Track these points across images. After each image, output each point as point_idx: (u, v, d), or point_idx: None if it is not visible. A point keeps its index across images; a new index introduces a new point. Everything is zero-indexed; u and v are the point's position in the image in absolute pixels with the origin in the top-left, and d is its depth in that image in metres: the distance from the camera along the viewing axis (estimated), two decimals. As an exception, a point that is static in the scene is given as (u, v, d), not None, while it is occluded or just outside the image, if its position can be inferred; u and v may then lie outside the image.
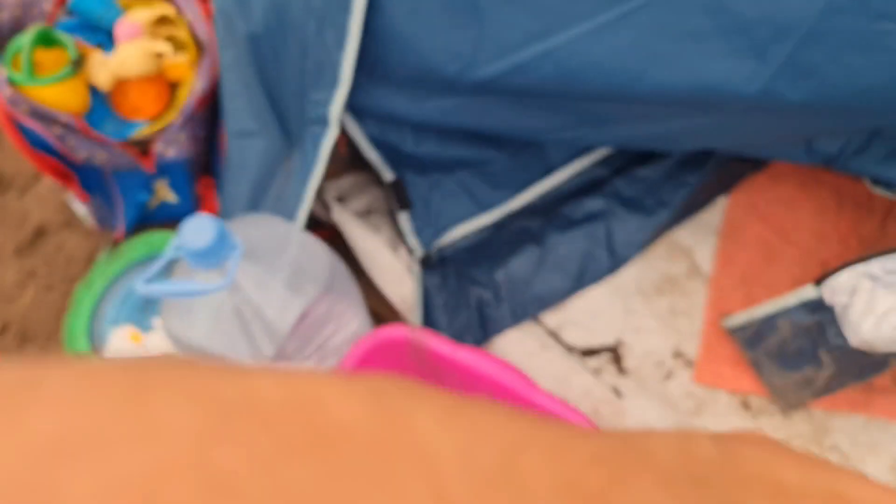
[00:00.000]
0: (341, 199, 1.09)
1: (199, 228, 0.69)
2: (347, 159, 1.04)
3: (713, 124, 0.84)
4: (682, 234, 1.02)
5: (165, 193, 1.05)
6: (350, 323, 0.87)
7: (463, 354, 0.83)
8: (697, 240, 1.02)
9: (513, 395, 0.82)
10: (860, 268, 0.80)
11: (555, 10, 0.76)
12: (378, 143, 0.96)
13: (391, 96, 0.88)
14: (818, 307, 0.83)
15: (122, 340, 1.03)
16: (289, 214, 0.91)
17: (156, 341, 1.02)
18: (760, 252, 1.00)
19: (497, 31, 0.79)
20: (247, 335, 0.75)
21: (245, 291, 0.73)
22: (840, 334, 0.81)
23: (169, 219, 1.11)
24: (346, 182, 1.10)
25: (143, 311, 1.06)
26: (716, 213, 1.03)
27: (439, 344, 0.84)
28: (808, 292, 0.84)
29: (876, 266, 0.79)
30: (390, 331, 0.85)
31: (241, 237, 0.73)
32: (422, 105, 0.88)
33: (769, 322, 0.87)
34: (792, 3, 0.70)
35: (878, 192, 0.91)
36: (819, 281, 0.83)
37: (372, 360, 0.85)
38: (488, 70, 0.81)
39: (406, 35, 0.81)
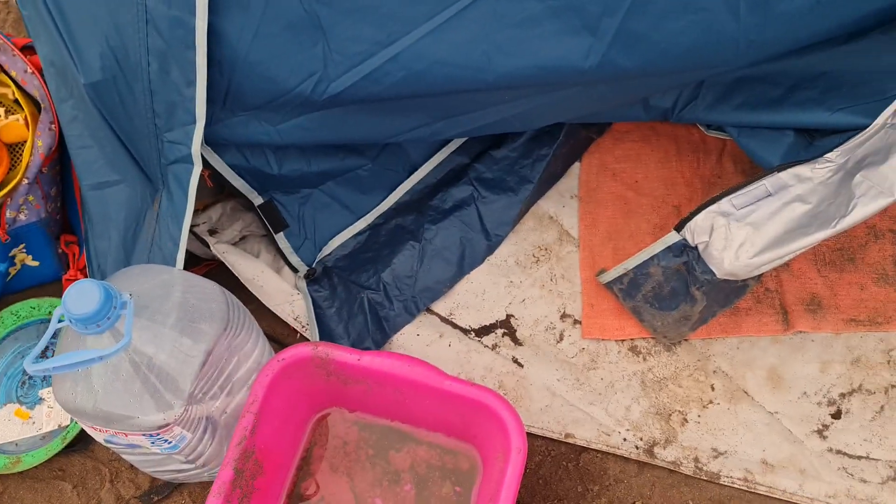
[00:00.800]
0: (213, 232, 1.06)
1: (82, 294, 0.66)
2: (212, 190, 1.02)
3: (560, 100, 0.88)
4: (546, 204, 1.08)
5: (25, 259, 1.00)
6: (252, 353, 0.86)
7: (368, 359, 0.84)
8: (561, 207, 1.07)
9: (423, 387, 0.84)
10: (713, 208, 0.87)
11: (395, 17, 0.78)
12: (243, 171, 0.95)
13: (249, 123, 0.87)
14: (683, 249, 0.90)
15: (7, 422, 0.97)
16: (167, 257, 0.89)
17: (46, 414, 0.97)
18: (619, 207, 1.06)
19: (343, 45, 0.79)
20: (150, 390, 0.73)
21: (140, 346, 0.71)
22: (707, 270, 0.88)
23: (34, 284, 1.04)
24: (214, 213, 1.07)
25: (24, 385, 1.00)
26: (573, 179, 1.09)
27: (343, 354, 0.85)
28: (671, 237, 0.90)
29: (726, 203, 0.87)
30: (294, 352, 0.85)
31: (127, 292, 0.71)
32: (281, 127, 0.87)
33: (641, 270, 0.93)
34: (615, -23, 0.75)
35: (712, 134, 0.99)
36: (679, 226, 0.89)
37: (281, 384, 0.85)
38: (341, 83, 0.81)
39: (254, 62, 0.80)
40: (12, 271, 1.00)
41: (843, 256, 1.02)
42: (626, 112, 0.98)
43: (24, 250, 0.98)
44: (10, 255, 0.97)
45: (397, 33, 0.79)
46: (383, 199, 1.04)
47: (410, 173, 1.05)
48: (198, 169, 0.84)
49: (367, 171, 1.02)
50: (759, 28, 0.76)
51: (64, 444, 0.94)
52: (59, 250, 1.01)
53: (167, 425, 0.74)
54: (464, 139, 1.05)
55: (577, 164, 1.09)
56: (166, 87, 0.81)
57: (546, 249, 1.04)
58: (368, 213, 1.03)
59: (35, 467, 0.94)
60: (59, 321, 0.68)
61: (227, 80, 0.82)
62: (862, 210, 0.81)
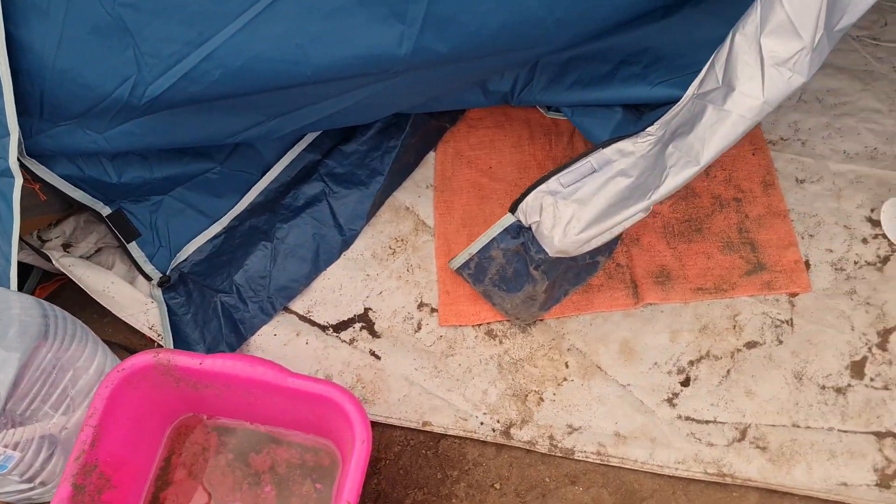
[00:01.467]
0: (67, 245, 1.04)
1: None
2: (61, 205, 0.99)
3: (390, 89, 0.88)
4: (402, 195, 1.07)
5: None
6: (90, 366, 0.84)
7: (210, 362, 0.83)
8: (417, 197, 1.07)
9: (268, 386, 0.83)
10: (542, 187, 0.87)
11: (205, 15, 0.77)
12: (80, 181, 0.93)
13: (73, 132, 0.85)
14: (518, 230, 0.91)
15: None
16: (1, 274, 0.86)
17: None
18: (473, 194, 1.07)
19: (155, 47, 0.78)
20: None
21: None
22: (540, 249, 0.89)
23: None
24: (67, 227, 1.05)
25: None
26: (429, 169, 1.09)
27: (184, 359, 0.83)
28: (507, 219, 0.91)
29: (553, 182, 0.87)
30: (134, 361, 0.83)
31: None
32: (108, 135, 0.85)
33: (484, 254, 0.93)
34: (413, -35, 0.75)
35: (552, 116, 1.00)
36: (513, 207, 0.90)
37: (126, 395, 0.83)
38: (159, 86, 0.80)
39: (64, 69, 0.78)
40: None
41: (690, 227, 1.04)
42: (467, 98, 0.99)
43: None
44: None
45: (209, 31, 0.77)
46: (238, 201, 1.03)
47: (264, 173, 1.04)
48: (19, 182, 0.82)
49: (217, 173, 1.01)
50: (560, 5, 0.77)
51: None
52: None
53: (-18, 445, 0.72)
54: (315, 135, 1.05)
55: (432, 154, 1.09)
56: (-27, 101, 0.79)
57: (402, 240, 1.04)
58: (224, 215, 1.02)
59: None
60: None
61: (38, 89, 0.80)
62: (673, 180, 0.82)
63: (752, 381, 0.94)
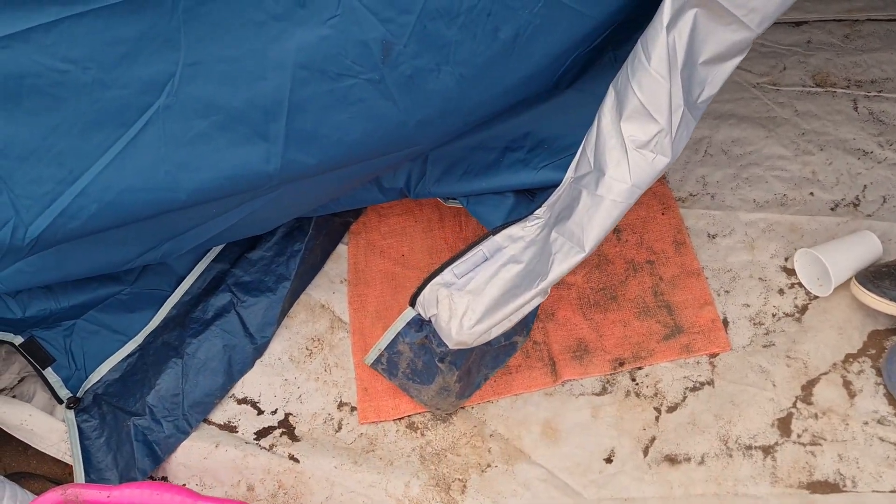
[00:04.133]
0: (-12, 380, 1.02)
1: None
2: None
3: (276, 200, 0.86)
4: (316, 293, 1.05)
5: None
6: (-4, 509, 0.81)
7: (118, 494, 0.80)
8: (332, 294, 1.05)
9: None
10: (437, 279, 0.85)
11: (71, 154, 0.75)
12: (-15, 319, 0.92)
13: (-37, 277, 0.84)
14: (421, 323, 0.88)
15: None
16: None
17: None
18: (387, 285, 1.04)
19: (27, 189, 0.77)
20: None
21: None
22: (441, 342, 0.86)
23: None
24: (-13, 361, 1.03)
25: None
26: (342, 263, 1.07)
27: (93, 493, 0.80)
28: (408, 313, 0.88)
29: (448, 274, 0.85)
30: (42, 500, 0.80)
31: None
32: (0, 276, 0.85)
33: (392, 349, 0.91)
34: (265, 87, 0.73)
35: (450, 205, 0.98)
36: (412, 300, 0.88)
37: (38, 534, 0.80)
38: (38, 225, 0.78)
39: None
40: None
41: (605, 296, 1.01)
42: (364, 196, 0.97)
43: None
44: None
45: (79, 169, 0.76)
46: (152, 317, 1.01)
47: (178, 285, 1.02)
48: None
49: (127, 294, 1.00)
50: (418, 108, 0.76)
51: None
52: None
53: None
54: (222, 245, 1.03)
55: (344, 248, 1.08)
56: None
57: (319, 340, 1.02)
58: (138, 333, 1.00)
59: None
60: None
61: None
62: (559, 267, 0.80)
63: (676, 449, 0.90)
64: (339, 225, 1.06)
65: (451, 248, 1.06)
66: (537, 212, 0.82)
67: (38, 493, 0.89)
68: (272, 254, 1.01)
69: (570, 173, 0.80)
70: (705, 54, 0.70)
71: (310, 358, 1.00)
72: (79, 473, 0.92)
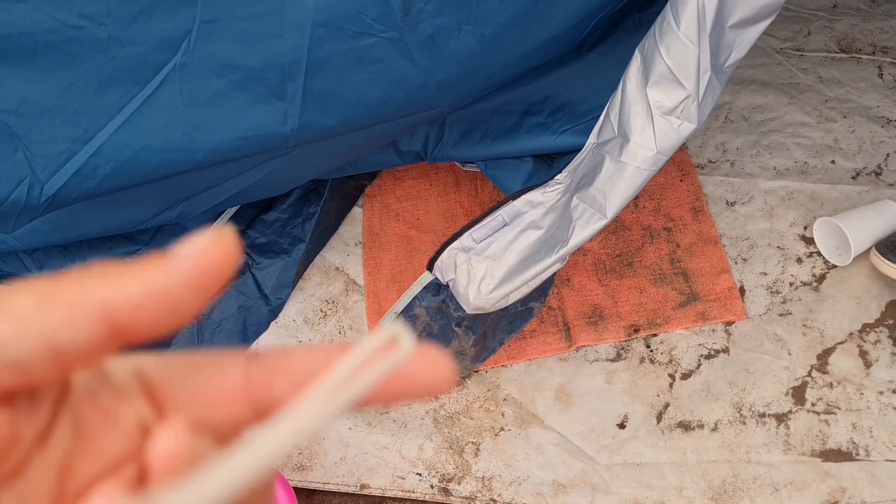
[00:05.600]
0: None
1: None
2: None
3: (294, 162, 0.85)
4: (331, 255, 1.04)
5: None
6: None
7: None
8: (346, 256, 1.04)
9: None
10: (455, 244, 0.84)
11: (86, 113, 0.74)
12: (2, 277, 0.91)
13: (-25, 233, 0.84)
14: (438, 287, 0.87)
15: None
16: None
17: None
18: (402, 248, 1.03)
19: (43, 148, 0.76)
20: None
21: None
22: (458, 307, 0.85)
23: None
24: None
25: None
26: (356, 225, 1.06)
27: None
28: (425, 277, 0.87)
29: (466, 239, 0.84)
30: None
31: None
32: (17, 234, 0.83)
33: (408, 313, 0.90)
34: (282, 46, 0.72)
35: (468, 169, 0.97)
36: (429, 264, 0.87)
37: None
38: (53, 184, 0.77)
39: (-45, 176, 0.76)
40: None
41: (621, 262, 1.00)
42: (381, 159, 0.95)
43: None
44: None
45: (94, 127, 0.75)
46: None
47: (192, 248, 1.01)
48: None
49: (142, 254, 0.99)
50: (438, 68, 0.74)
51: None
52: None
53: None
54: (237, 206, 1.02)
55: (359, 210, 1.06)
56: None
57: (333, 303, 1.01)
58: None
59: None
60: None
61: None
62: (580, 233, 0.78)
63: (690, 416, 0.89)
64: (354, 188, 1.04)
65: (466, 213, 1.04)
66: (557, 177, 0.80)
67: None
68: (287, 216, 1.00)
69: (592, 139, 0.78)
70: (735, 17, 0.68)
71: (324, 320, 1.00)
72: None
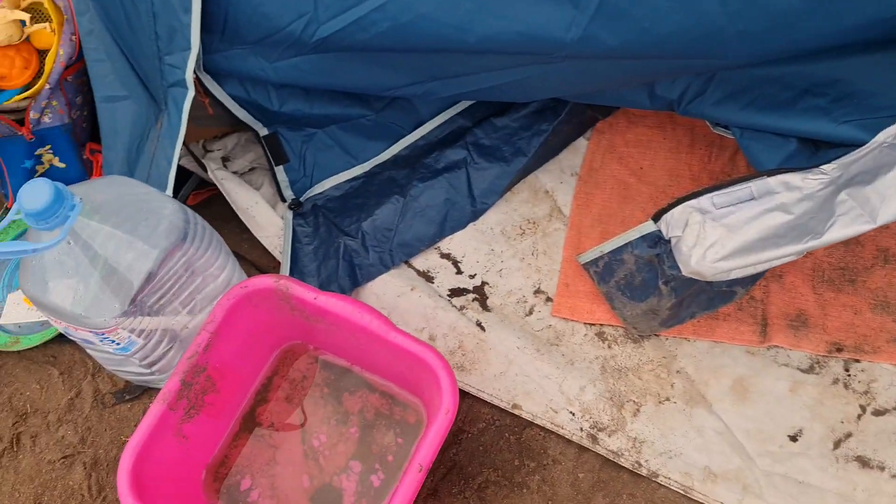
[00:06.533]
0: (226, 159, 1.08)
1: (35, 191, 0.67)
2: (229, 120, 1.02)
3: (551, 74, 0.83)
4: (544, 177, 1.03)
5: (52, 160, 1.04)
6: (218, 275, 0.86)
7: (323, 300, 0.83)
8: (559, 183, 1.02)
9: (371, 335, 0.83)
10: (692, 202, 0.80)
11: (385, -34, 0.75)
12: (245, 102, 0.95)
13: (246, 57, 0.86)
14: (657, 240, 0.84)
15: (16, 305, 1.02)
16: (162, 174, 0.90)
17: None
18: (617, 191, 1.00)
19: (335, -11, 0.78)
20: (94, 290, 0.74)
21: (87, 247, 0.72)
22: (675, 265, 0.82)
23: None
24: (230, 142, 1.08)
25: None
26: (577, 156, 1.04)
27: (301, 290, 0.84)
28: (647, 227, 0.84)
29: (706, 201, 0.80)
30: (257, 281, 0.85)
31: (89, 197, 0.72)
32: (275, 65, 0.86)
33: (616, 256, 0.87)
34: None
35: (718, 131, 0.91)
36: (656, 216, 0.83)
37: (245, 311, 0.85)
38: (329, 27, 0.79)
39: (249, -5, 0.79)
40: (40, 169, 1.04)
41: (843, 276, 0.93)
42: (630, 97, 0.91)
43: (51, 151, 1.02)
44: (37, 153, 1.01)
45: (385, -17, 0.76)
46: (385, 150, 1.02)
47: (416, 128, 1.02)
48: (191, 94, 0.85)
49: (371, 121, 1.01)
50: (745, 18, 0.68)
51: (57, 332, 0.98)
52: (84, 156, 1.05)
53: (111, 327, 0.75)
54: (471, 102, 1.02)
55: (583, 142, 1.04)
56: (167, 11, 0.81)
57: (534, 223, 1.00)
58: (368, 161, 1.02)
59: (31, 349, 0.99)
60: (17, 215, 0.70)
61: (223, 11, 0.81)
62: (839, 231, 0.73)
63: (872, 454, 0.83)
64: (589, 118, 1.01)
65: (693, 177, 1.00)
66: (824, 167, 0.74)
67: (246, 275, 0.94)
68: (517, 125, 0.98)
69: (882, 136, 0.71)
70: None
71: (521, 237, 0.99)
72: (285, 270, 0.97)
